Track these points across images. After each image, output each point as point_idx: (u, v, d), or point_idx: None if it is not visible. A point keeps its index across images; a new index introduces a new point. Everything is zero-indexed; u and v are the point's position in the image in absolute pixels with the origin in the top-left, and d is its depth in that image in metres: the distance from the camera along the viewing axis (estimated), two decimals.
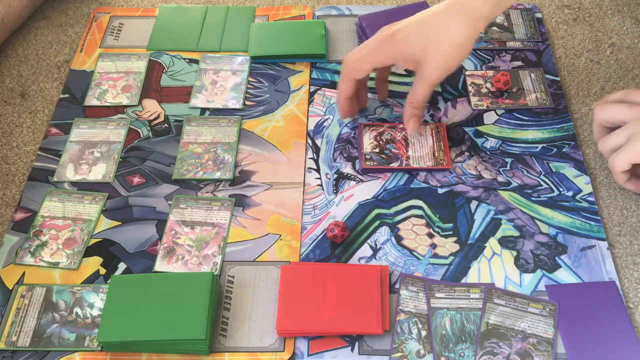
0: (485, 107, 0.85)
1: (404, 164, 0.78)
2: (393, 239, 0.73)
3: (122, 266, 0.72)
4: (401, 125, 0.82)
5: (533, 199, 0.76)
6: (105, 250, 0.73)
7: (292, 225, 0.75)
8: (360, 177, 0.79)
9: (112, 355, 0.65)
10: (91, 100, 0.88)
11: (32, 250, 0.73)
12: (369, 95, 0.87)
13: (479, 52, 0.92)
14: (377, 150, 0.80)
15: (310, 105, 0.87)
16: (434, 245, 0.73)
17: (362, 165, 0.79)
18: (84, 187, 0.79)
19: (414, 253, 0.72)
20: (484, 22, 0.72)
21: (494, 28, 0.95)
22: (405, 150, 0.80)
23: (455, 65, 0.74)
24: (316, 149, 0.82)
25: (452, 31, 0.71)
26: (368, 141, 0.81)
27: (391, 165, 0.79)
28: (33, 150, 0.83)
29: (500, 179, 0.78)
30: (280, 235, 0.74)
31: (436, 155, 0.79)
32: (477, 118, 0.84)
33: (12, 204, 0.78)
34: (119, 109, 0.87)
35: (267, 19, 0.98)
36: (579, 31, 0.95)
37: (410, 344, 0.65)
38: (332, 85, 0.89)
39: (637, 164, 0.68)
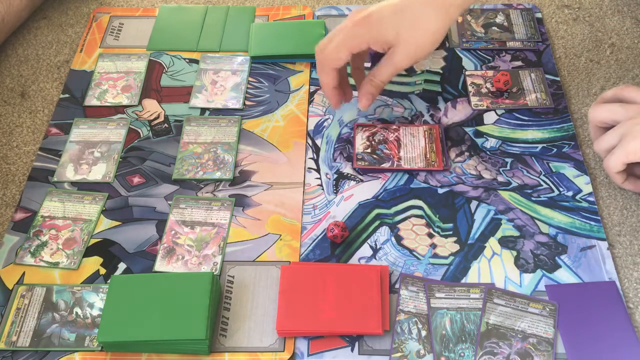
0: (485, 107, 0.85)
1: (395, 165, 0.79)
2: (393, 239, 0.73)
3: (122, 266, 0.72)
4: (394, 127, 0.82)
5: (533, 199, 0.76)
6: (105, 250, 0.73)
7: (292, 225, 0.75)
8: (360, 177, 0.79)
9: (112, 355, 0.65)
10: (91, 100, 0.88)
11: (32, 250, 0.73)
12: None
13: (479, 52, 0.92)
14: (369, 150, 0.80)
15: (310, 105, 0.87)
16: (434, 245, 0.73)
17: (353, 165, 0.79)
18: (84, 187, 0.79)
19: (414, 253, 0.72)
20: (457, 10, 0.72)
21: (494, 28, 0.95)
22: (397, 151, 0.80)
23: (426, 54, 0.74)
24: (316, 149, 0.82)
25: (427, 19, 0.71)
26: (360, 141, 0.81)
27: (382, 165, 0.79)
28: (33, 150, 0.83)
29: (500, 179, 0.78)
30: (280, 235, 0.74)
31: (428, 156, 0.79)
32: (477, 118, 0.84)
33: (12, 204, 0.78)
34: (119, 109, 0.87)
35: (267, 19, 0.98)
36: (579, 31, 0.95)
37: (410, 344, 0.65)
38: None
39: (635, 163, 0.68)
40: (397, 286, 0.69)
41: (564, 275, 0.70)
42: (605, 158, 0.70)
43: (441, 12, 0.71)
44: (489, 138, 0.82)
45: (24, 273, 0.71)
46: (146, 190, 0.78)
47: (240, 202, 0.77)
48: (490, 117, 0.84)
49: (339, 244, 0.73)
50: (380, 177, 0.79)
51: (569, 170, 0.78)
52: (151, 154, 0.82)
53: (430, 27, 0.71)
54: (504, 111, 0.85)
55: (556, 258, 0.71)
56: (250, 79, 0.90)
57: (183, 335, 0.63)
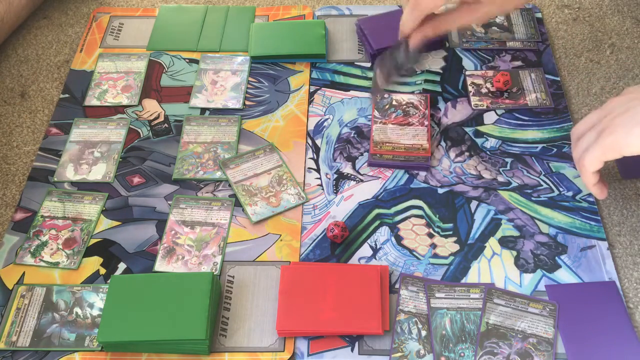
0: (485, 107, 0.85)
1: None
2: (393, 239, 0.73)
3: (122, 266, 0.72)
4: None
5: (533, 199, 0.76)
6: (105, 250, 0.73)
7: (292, 225, 0.75)
8: (360, 177, 0.79)
9: (112, 355, 0.65)
10: (91, 100, 0.88)
11: (32, 250, 0.73)
12: (368, 95, 0.87)
13: (479, 52, 0.92)
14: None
15: (310, 105, 0.87)
16: (434, 245, 0.73)
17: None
18: (84, 187, 0.79)
19: (414, 253, 0.72)
20: None
21: (494, 28, 0.95)
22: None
23: (510, 9, 0.72)
24: (316, 149, 0.82)
25: None
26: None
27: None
28: (33, 150, 0.83)
29: (500, 179, 0.78)
30: (280, 235, 0.74)
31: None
32: (477, 118, 0.84)
33: (12, 204, 0.78)
34: (119, 109, 0.87)
35: (267, 19, 0.98)
36: (579, 31, 0.95)
37: (410, 344, 0.65)
38: (332, 85, 0.89)
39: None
40: (397, 286, 0.69)
41: (564, 275, 0.70)
42: (579, 157, 0.65)
43: None
44: (489, 138, 0.82)
45: (24, 273, 0.71)
46: (146, 190, 0.78)
47: (240, 202, 0.77)
48: (490, 117, 0.84)
49: (339, 244, 0.73)
50: (380, 177, 0.79)
51: (569, 170, 0.78)
52: (151, 154, 0.82)
53: None
54: (504, 111, 0.85)
55: (556, 258, 0.71)
56: (250, 79, 0.90)
57: (183, 335, 0.63)
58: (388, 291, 0.68)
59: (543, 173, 0.78)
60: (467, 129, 0.83)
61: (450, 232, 0.74)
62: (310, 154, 0.82)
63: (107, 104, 0.88)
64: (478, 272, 0.70)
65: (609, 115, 0.64)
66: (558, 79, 0.88)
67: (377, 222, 0.75)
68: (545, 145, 0.81)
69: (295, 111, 0.86)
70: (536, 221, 0.74)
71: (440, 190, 0.77)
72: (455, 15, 0.72)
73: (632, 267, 0.71)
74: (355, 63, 0.91)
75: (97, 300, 0.69)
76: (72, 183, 0.79)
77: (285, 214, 0.75)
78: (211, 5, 1.00)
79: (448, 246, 0.72)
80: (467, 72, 0.89)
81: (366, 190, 0.78)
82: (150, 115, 0.86)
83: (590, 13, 0.98)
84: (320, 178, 0.79)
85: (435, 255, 0.72)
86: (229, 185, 0.78)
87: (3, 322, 0.67)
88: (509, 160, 0.80)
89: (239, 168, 0.79)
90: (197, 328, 0.63)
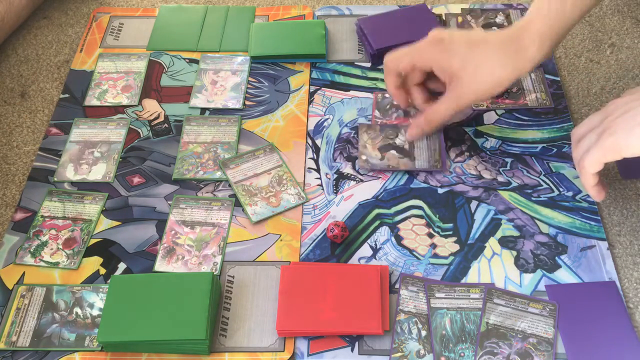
0: (485, 107, 0.85)
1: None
2: (393, 239, 0.73)
3: (122, 266, 0.72)
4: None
5: (533, 199, 0.76)
6: (105, 250, 0.73)
7: (292, 225, 0.75)
8: (360, 177, 0.79)
9: (112, 355, 0.65)
10: (91, 100, 0.88)
11: (32, 250, 0.73)
12: (369, 95, 0.87)
13: None
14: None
15: (310, 105, 0.87)
16: (434, 245, 0.73)
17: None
18: (84, 187, 0.79)
19: (414, 253, 0.72)
20: (528, 65, 0.70)
21: (494, 28, 0.95)
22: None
23: (486, 96, 0.73)
24: (316, 149, 0.82)
25: (494, 64, 0.70)
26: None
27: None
28: (33, 150, 0.83)
29: (500, 179, 0.78)
30: (280, 235, 0.74)
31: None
32: (477, 118, 0.84)
33: (12, 204, 0.78)
34: (119, 109, 0.87)
35: (267, 19, 0.98)
36: (579, 31, 0.95)
37: (410, 344, 0.65)
38: (332, 85, 0.89)
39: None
40: (397, 286, 0.69)
41: (564, 275, 0.70)
42: (580, 158, 0.66)
43: (510, 62, 0.70)
44: (489, 138, 0.82)
45: (24, 273, 0.71)
46: (146, 190, 0.78)
47: (240, 202, 0.77)
48: (490, 117, 0.84)
49: (339, 244, 0.73)
50: (380, 177, 0.79)
51: (569, 171, 0.78)
52: (151, 154, 0.82)
53: (494, 72, 0.70)
54: (504, 111, 0.85)
55: (556, 258, 0.71)
56: (250, 79, 0.90)
57: (183, 335, 0.63)
58: (388, 291, 0.68)
59: (543, 173, 0.78)
60: (467, 129, 0.83)
61: (450, 232, 0.74)
62: (310, 154, 0.82)
63: (107, 104, 0.88)
64: (478, 272, 0.70)
65: (610, 116, 0.64)
66: (558, 79, 0.88)
67: (377, 222, 0.75)
68: (545, 145, 0.81)
69: (295, 111, 0.86)
70: (536, 221, 0.74)
71: (440, 190, 0.77)
72: (441, 104, 0.74)
73: (632, 267, 0.71)
74: (355, 63, 0.91)
75: (97, 300, 0.69)
76: (72, 183, 0.79)
77: (285, 214, 0.76)
78: (211, 5, 1.00)
79: (448, 246, 0.72)
80: None
81: (366, 190, 0.78)
82: (150, 115, 0.86)
83: (590, 13, 0.98)
84: (320, 178, 0.79)
85: (435, 255, 0.72)
86: (229, 185, 0.78)
87: (3, 322, 0.67)
88: (509, 160, 0.80)
89: (239, 168, 0.79)
90: (197, 328, 0.63)
